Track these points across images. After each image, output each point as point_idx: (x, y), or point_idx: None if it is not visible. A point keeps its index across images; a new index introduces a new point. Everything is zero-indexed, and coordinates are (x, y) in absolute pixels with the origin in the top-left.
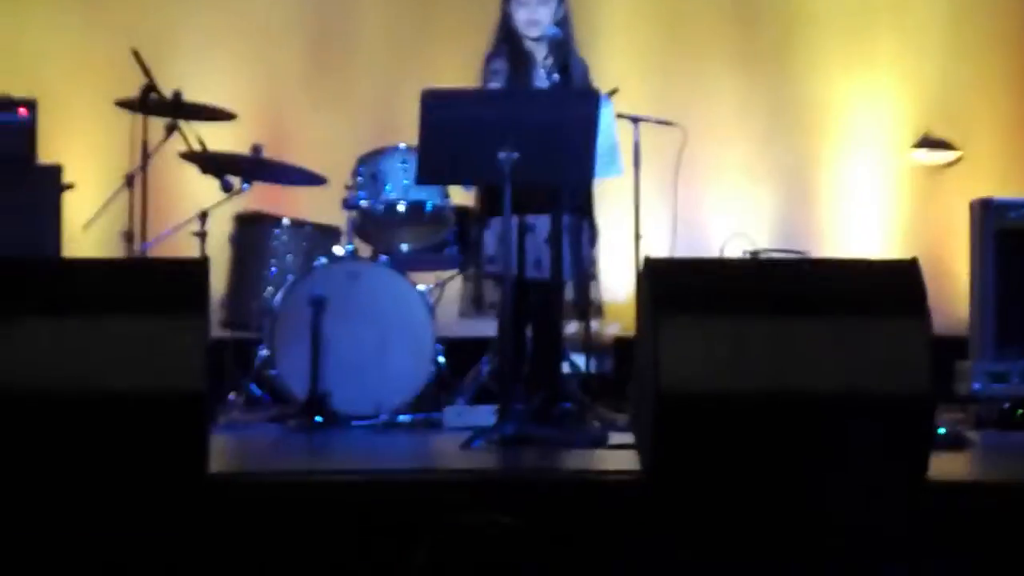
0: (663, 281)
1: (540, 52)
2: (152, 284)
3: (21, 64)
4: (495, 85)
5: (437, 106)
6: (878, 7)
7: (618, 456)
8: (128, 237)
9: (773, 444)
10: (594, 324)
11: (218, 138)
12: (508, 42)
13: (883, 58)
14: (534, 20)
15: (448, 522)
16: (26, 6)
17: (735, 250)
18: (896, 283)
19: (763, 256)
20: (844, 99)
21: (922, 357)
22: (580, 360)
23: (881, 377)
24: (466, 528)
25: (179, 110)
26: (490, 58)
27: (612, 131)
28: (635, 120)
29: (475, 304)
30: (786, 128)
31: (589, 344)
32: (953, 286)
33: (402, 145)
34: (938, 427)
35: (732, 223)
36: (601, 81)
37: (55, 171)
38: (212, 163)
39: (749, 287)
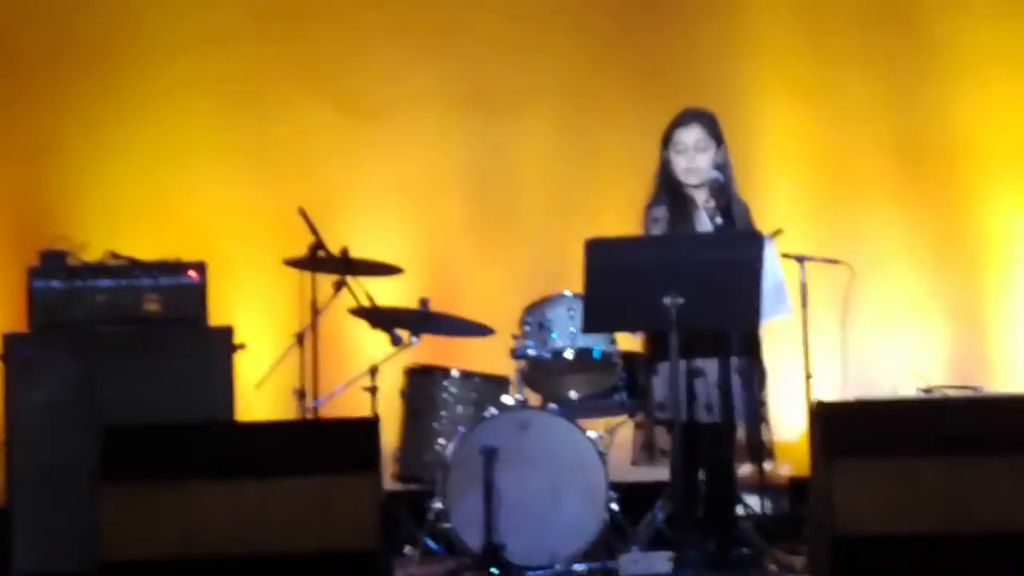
0: (834, 424)
1: (701, 197)
2: (325, 444)
3: (191, 226)
4: (657, 232)
5: (602, 254)
6: None
7: None
8: (300, 394)
9: None
10: (766, 465)
11: (386, 293)
12: (668, 189)
13: None
14: (693, 168)
15: None
16: (196, 169)
17: (907, 387)
18: None
19: (936, 393)
20: (1012, 228)
21: None
22: (754, 502)
23: None
24: None
25: (347, 266)
26: (651, 206)
27: (777, 270)
28: (800, 259)
29: (647, 451)
30: (954, 260)
31: (763, 486)
32: None
33: (568, 293)
34: None
35: (904, 359)
36: (763, 222)
37: (227, 332)
38: (381, 318)
39: (922, 427)
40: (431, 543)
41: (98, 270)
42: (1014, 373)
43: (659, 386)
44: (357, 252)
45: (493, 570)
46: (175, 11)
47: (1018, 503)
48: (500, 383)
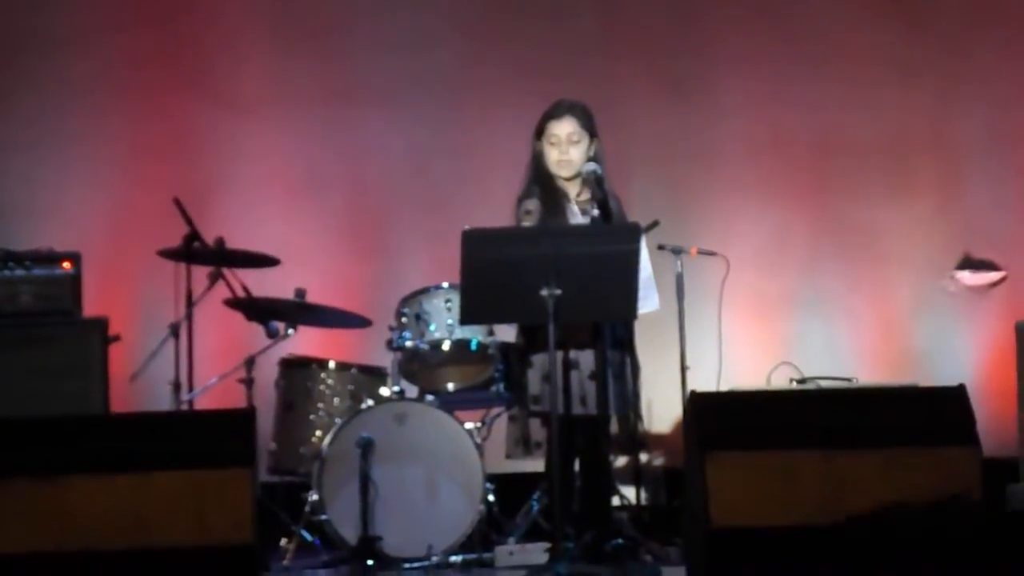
0: (708, 415)
1: (573, 189)
2: (200, 437)
3: (64, 218)
4: (529, 224)
5: (479, 245)
6: (916, 132)
7: None
8: (175, 387)
9: None
10: (642, 457)
11: (262, 284)
12: (540, 181)
13: (922, 180)
14: (566, 160)
15: None
16: (70, 161)
17: (782, 378)
18: (945, 410)
19: (809, 385)
20: (884, 222)
21: (974, 484)
22: (630, 493)
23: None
24: None
25: (222, 258)
26: (522, 198)
27: (647, 265)
28: (677, 252)
29: (521, 444)
30: (828, 254)
31: (639, 477)
32: (1002, 406)
33: (445, 284)
34: None
35: (778, 350)
36: (638, 216)
37: (101, 323)
38: (257, 309)
39: (796, 420)
40: (307, 535)
41: None
42: (887, 364)
43: (534, 378)
44: (232, 243)
45: (369, 562)
46: (47, 6)
47: (890, 494)
48: (377, 375)
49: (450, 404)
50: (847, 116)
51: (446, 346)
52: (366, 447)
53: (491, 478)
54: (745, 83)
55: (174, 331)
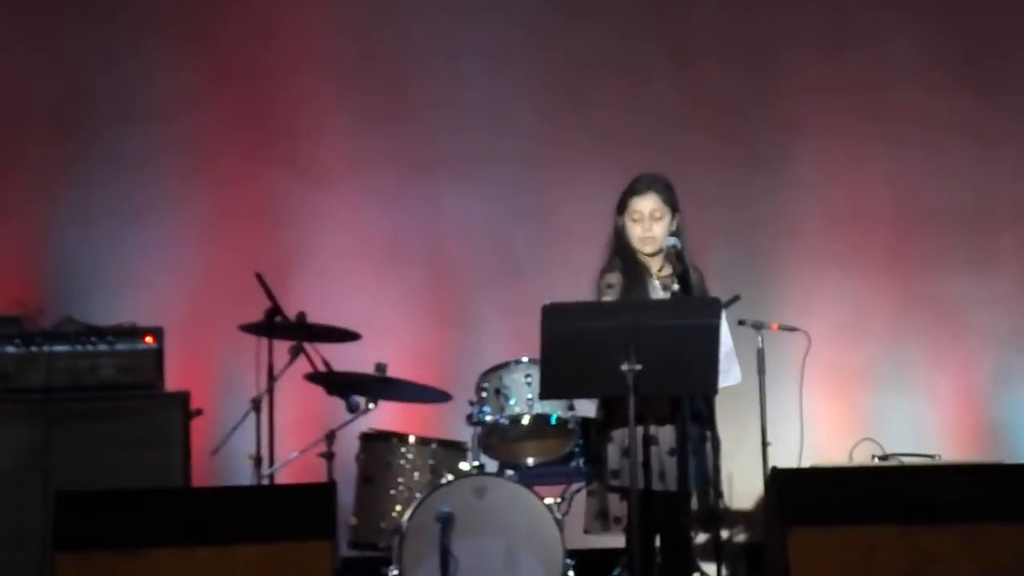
0: (790, 491)
1: (655, 265)
2: (281, 510)
3: (147, 292)
4: (610, 298)
5: (559, 319)
6: (996, 203)
7: None
8: (256, 460)
9: None
10: (723, 532)
11: (343, 358)
12: (622, 256)
13: (1004, 251)
14: (649, 237)
15: None
16: (152, 234)
17: (864, 454)
18: None
19: (892, 461)
20: (966, 295)
21: None
22: (711, 569)
23: None
24: None
25: (303, 332)
26: (604, 272)
27: (727, 338)
28: (758, 326)
29: (600, 519)
30: (909, 327)
31: (719, 553)
32: None
33: (525, 359)
34: None
35: (860, 426)
36: (717, 290)
37: (183, 397)
38: (338, 383)
39: (876, 496)
40: None
41: (54, 336)
42: (970, 440)
43: (613, 453)
44: (313, 317)
45: None
46: (129, 78)
47: (972, 570)
48: (457, 449)
49: (530, 478)
50: (927, 187)
51: (526, 420)
52: (446, 521)
53: (571, 553)
54: (824, 155)
55: (255, 405)
